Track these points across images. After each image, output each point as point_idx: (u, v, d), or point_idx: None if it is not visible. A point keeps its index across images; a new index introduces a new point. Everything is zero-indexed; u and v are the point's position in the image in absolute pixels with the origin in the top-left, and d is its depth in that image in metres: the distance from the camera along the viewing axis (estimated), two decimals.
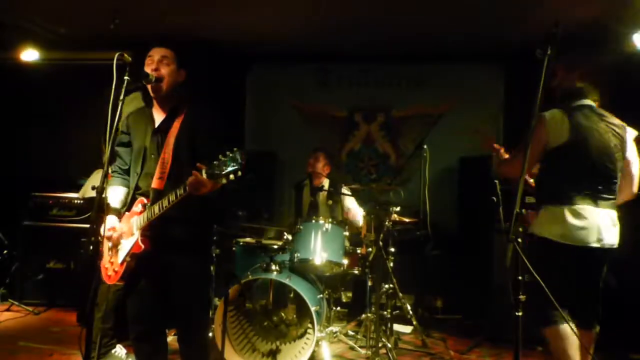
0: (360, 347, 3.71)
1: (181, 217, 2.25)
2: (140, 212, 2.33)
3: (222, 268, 3.69)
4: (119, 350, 3.26)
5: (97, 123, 2.89)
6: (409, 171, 5.61)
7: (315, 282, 3.63)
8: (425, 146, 4.35)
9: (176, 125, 2.38)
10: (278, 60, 5.85)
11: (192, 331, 2.45)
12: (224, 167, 2.02)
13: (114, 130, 2.05)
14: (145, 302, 2.37)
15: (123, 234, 2.35)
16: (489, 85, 5.64)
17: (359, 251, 3.84)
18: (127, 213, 2.40)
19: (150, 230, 2.30)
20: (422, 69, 5.76)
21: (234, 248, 3.90)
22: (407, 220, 4.06)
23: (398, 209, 3.84)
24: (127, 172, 2.50)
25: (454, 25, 4.68)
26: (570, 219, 2.50)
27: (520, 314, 1.92)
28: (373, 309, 3.64)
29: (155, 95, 2.39)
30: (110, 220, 2.35)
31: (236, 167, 2.02)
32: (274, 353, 3.40)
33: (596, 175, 2.55)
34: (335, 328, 3.78)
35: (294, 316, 3.52)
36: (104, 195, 2.03)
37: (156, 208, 2.24)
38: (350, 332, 3.98)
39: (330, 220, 3.70)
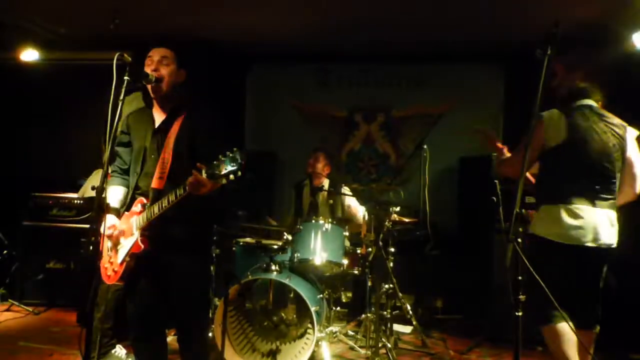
0: (360, 347, 3.71)
1: (181, 217, 2.25)
2: (140, 212, 2.33)
3: (222, 268, 3.69)
4: (119, 350, 3.26)
5: (97, 123, 2.89)
6: (409, 171, 5.60)
7: (315, 282, 3.63)
8: (425, 146, 4.35)
9: (176, 126, 2.38)
10: (278, 60, 5.85)
11: (192, 331, 2.45)
12: (224, 167, 2.02)
13: (114, 131, 2.05)
14: (145, 302, 2.37)
15: (123, 233, 2.35)
16: (489, 85, 5.64)
17: (358, 251, 3.84)
18: (126, 213, 2.40)
19: (149, 230, 2.30)
20: (422, 69, 5.75)
21: (234, 248, 3.90)
22: (407, 220, 4.06)
23: (398, 209, 3.84)
24: (126, 172, 2.50)
25: (454, 25, 4.68)
26: (566, 218, 2.51)
27: (520, 314, 1.92)
28: (373, 309, 3.64)
29: (155, 95, 2.39)
30: (110, 218, 2.35)
31: (236, 167, 2.02)
32: (273, 353, 3.40)
33: (594, 175, 2.55)
34: (335, 328, 3.78)
35: (294, 316, 3.52)
36: (103, 195, 2.03)
37: (156, 208, 2.24)
38: (350, 332, 3.98)
39: (330, 220, 3.71)
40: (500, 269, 4.11)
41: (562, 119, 2.57)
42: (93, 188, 2.07)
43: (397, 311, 4.11)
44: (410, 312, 4.10)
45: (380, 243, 3.71)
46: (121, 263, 2.33)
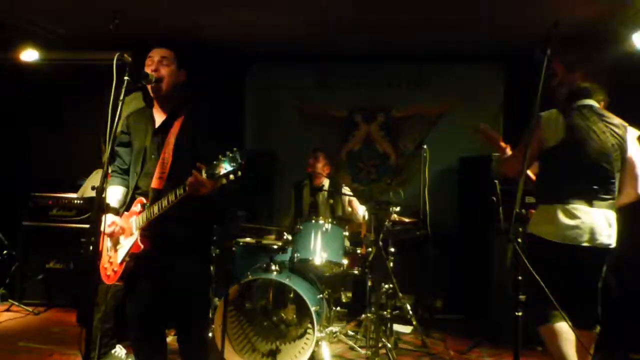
0: (360, 347, 3.71)
1: (181, 216, 2.25)
2: (140, 212, 2.33)
3: (222, 268, 3.69)
4: (119, 350, 3.26)
5: (97, 123, 2.88)
6: (409, 171, 5.61)
7: (315, 282, 3.63)
8: (425, 146, 4.36)
9: (176, 126, 2.38)
10: (278, 60, 5.85)
11: (192, 331, 2.45)
12: (224, 167, 2.02)
13: (113, 131, 2.05)
14: (145, 302, 2.37)
15: (123, 230, 2.35)
16: (489, 85, 5.64)
17: (359, 251, 3.84)
18: (125, 213, 2.40)
19: (149, 230, 2.30)
20: (422, 69, 5.75)
21: (234, 248, 3.90)
22: (407, 220, 4.07)
23: (398, 209, 3.84)
24: (126, 172, 2.50)
25: (454, 25, 4.67)
26: (562, 218, 2.51)
27: (520, 314, 1.93)
28: (373, 309, 3.64)
29: (155, 95, 2.39)
30: (110, 217, 2.35)
31: (236, 167, 2.03)
32: (273, 353, 3.40)
33: (592, 175, 2.55)
34: (335, 328, 3.78)
35: (294, 316, 3.51)
36: (103, 195, 2.03)
37: (155, 208, 2.24)
38: (350, 332, 3.98)
39: (330, 220, 3.71)
40: (500, 269, 4.11)
41: (560, 119, 2.57)
42: (93, 188, 2.07)
43: (397, 311, 4.11)
44: (410, 312, 4.11)
45: (380, 243, 3.71)
46: (121, 263, 2.33)
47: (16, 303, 4.60)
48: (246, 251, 3.89)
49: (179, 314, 2.42)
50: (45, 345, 3.69)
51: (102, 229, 2.09)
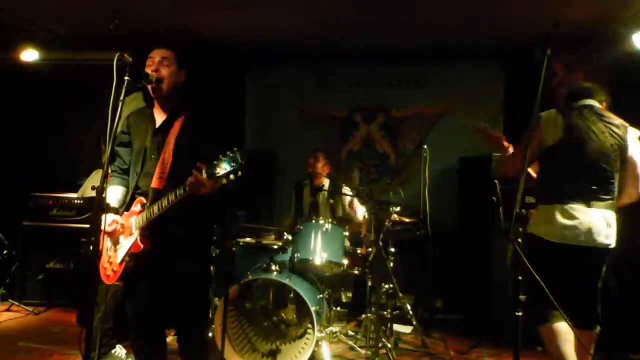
0: (360, 347, 3.71)
1: (181, 216, 2.25)
2: (139, 212, 2.33)
3: (222, 268, 3.69)
4: (119, 350, 3.26)
5: (97, 123, 2.89)
6: (409, 171, 5.61)
7: (315, 282, 3.63)
8: (425, 146, 4.36)
9: (177, 126, 2.39)
10: (278, 60, 5.85)
11: (192, 331, 2.45)
12: (224, 167, 2.02)
13: (114, 131, 2.05)
14: (145, 302, 2.37)
15: (123, 230, 2.35)
16: (489, 85, 5.64)
17: (359, 251, 3.84)
18: (125, 213, 2.40)
19: (149, 230, 2.30)
20: (422, 69, 5.75)
21: (234, 248, 3.90)
22: (407, 220, 4.07)
23: (398, 209, 3.84)
24: (126, 171, 2.50)
25: (454, 25, 4.67)
26: (560, 218, 2.52)
27: (520, 314, 1.93)
28: (373, 309, 3.64)
29: (155, 95, 2.40)
30: (110, 216, 2.34)
31: (236, 167, 2.03)
32: (273, 353, 3.40)
33: (591, 175, 2.55)
34: (335, 328, 3.78)
35: (294, 316, 3.51)
36: (103, 195, 2.03)
37: (155, 208, 2.24)
38: (350, 332, 3.98)
39: (330, 220, 3.71)
40: (500, 269, 4.11)
41: (559, 119, 2.57)
42: (93, 188, 2.07)
43: (397, 311, 4.11)
44: (410, 312, 4.11)
45: (380, 243, 3.71)
46: (120, 263, 2.33)
47: (16, 303, 4.60)
48: (246, 251, 3.89)
49: (179, 314, 2.42)
50: (45, 345, 3.69)
51: (102, 228, 2.09)
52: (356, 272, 3.80)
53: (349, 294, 4.50)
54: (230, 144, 2.08)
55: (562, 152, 2.56)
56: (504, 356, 3.78)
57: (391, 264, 3.79)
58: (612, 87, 2.77)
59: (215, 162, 2.03)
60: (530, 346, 3.67)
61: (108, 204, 2.34)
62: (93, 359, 3.02)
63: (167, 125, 2.40)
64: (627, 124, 2.65)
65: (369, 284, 3.76)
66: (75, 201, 4.79)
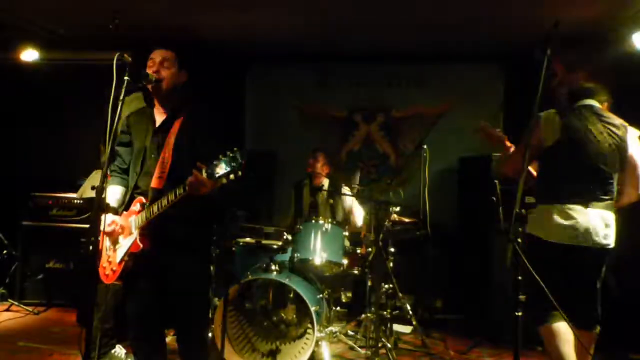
0: (360, 347, 3.71)
1: (181, 216, 2.25)
2: (139, 212, 2.33)
3: (222, 268, 3.69)
4: (119, 350, 3.26)
5: (97, 123, 2.89)
6: (409, 171, 5.60)
7: (315, 282, 3.63)
8: (425, 146, 4.36)
9: (177, 125, 2.39)
10: (278, 60, 5.85)
11: (192, 331, 2.45)
12: (224, 167, 2.02)
13: (113, 131, 2.05)
14: (145, 302, 2.37)
15: (122, 230, 2.35)
16: (489, 85, 5.64)
17: (358, 251, 3.84)
18: (125, 212, 2.40)
19: (149, 230, 2.30)
20: (422, 69, 5.75)
21: (234, 248, 3.90)
22: (407, 220, 4.06)
23: (398, 209, 3.84)
24: (125, 171, 2.50)
25: (454, 25, 4.67)
26: (557, 218, 2.52)
27: (520, 314, 1.93)
28: (373, 309, 3.64)
29: (155, 95, 2.40)
30: (110, 216, 2.34)
31: (236, 167, 2.03)
32: (273, 353, 3.40)
33: (589, 175, 2.55)
34: (335, 328, 3.78)
35: (294, 316, 3.52)
36: (103, 195, 2.03)
37: (155, 207, 2.24)
38: (350, 332, 3.98)
39: (330, 220, 3.71)
40: (500, 269, 4.11)
41: (557, 119, 2.57)
42: (93, 188, 2.07)
43: (397, 311, 4.11)
44: (410, 312, 4.11)
45: (380, 243, 3.71)
46: (119, 263, 2.33)
47: (16, 303, 4.60)
48: (246, 251, 3.89)
49: (179, 314, 2.42)
50: (45, 345, 3.69)
51: (101, 228, 2.09)
52: (356, 272, 3.80)
53: (349, 294, 4.49)
54: (230, 144, 2.07)
55: (560, 153, 2.56)
56: (504, 356, 3.78)
57: (391, 264, 3.79)
58: (612, 87, 2.77)
59: (215, 162, 2.03)
60: (530, 346, 3.68)
61: (108, 204, 2.34)
62: (93, 359, 3.01)
63: (167, 124, 2.40)
64: (627, 124, 2.65)
65: (369, 284, 3.76)
66: (75, 201, 4.79)
